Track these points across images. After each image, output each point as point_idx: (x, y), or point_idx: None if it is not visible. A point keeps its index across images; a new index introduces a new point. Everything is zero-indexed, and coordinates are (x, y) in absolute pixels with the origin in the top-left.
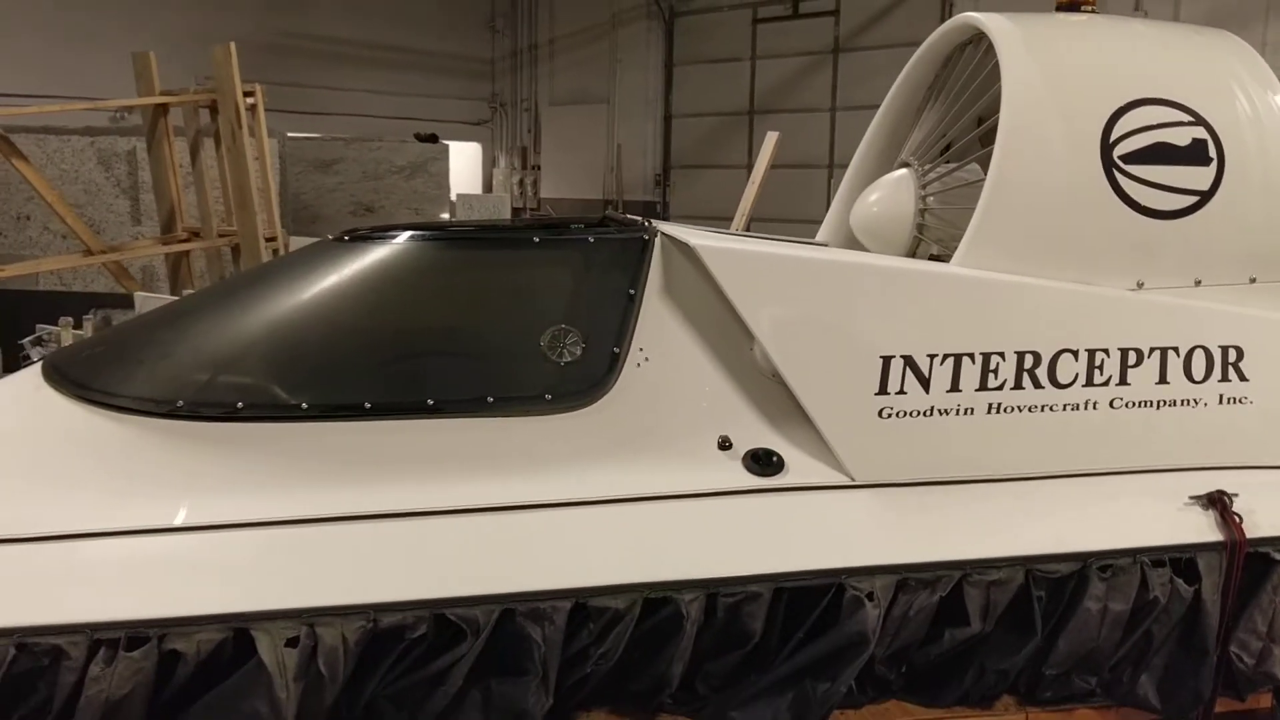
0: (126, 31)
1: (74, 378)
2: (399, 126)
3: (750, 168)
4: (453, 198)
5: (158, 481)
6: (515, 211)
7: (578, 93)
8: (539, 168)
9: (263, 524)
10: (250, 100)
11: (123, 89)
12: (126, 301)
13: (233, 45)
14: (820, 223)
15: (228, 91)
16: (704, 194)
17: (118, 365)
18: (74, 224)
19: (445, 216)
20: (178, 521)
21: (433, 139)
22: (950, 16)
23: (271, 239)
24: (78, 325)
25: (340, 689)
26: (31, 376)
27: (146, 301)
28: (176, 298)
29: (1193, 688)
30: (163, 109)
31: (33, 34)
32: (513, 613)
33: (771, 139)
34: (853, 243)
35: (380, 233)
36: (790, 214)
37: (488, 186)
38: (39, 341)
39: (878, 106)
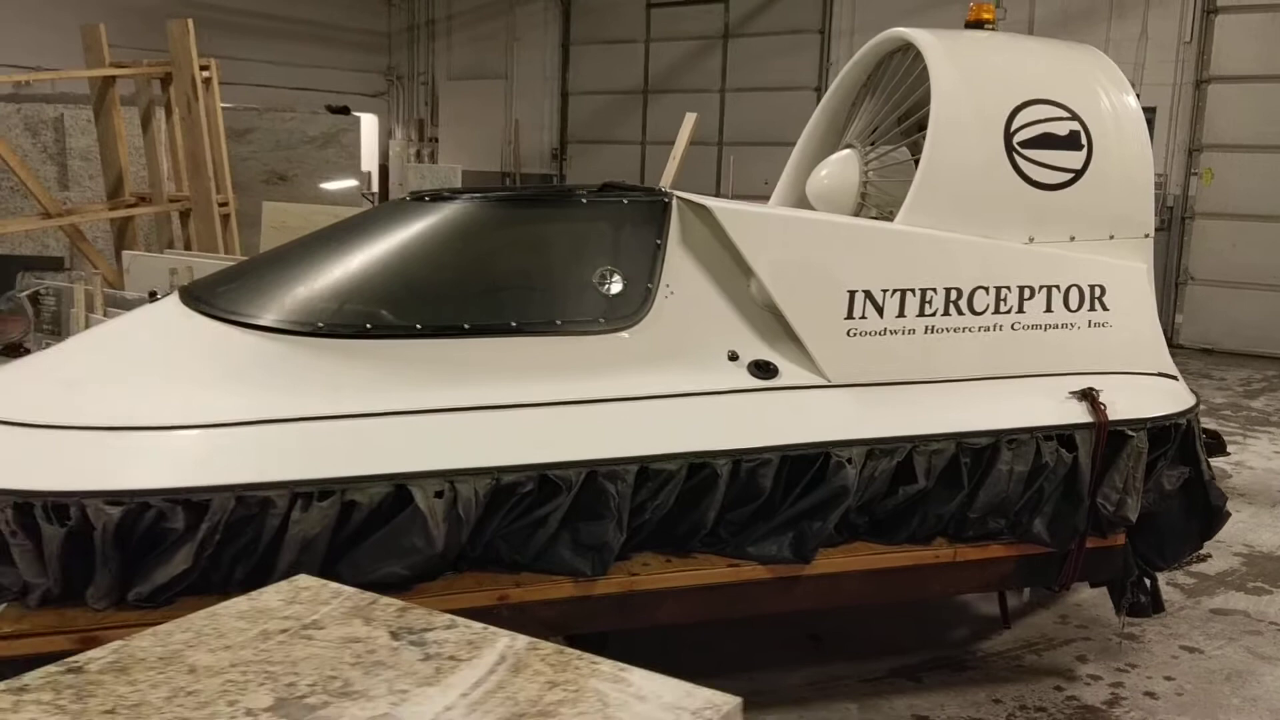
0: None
1: (223, 306)
2: (296, 97)
3: (644, 144)
4: (364, 168)
5: (316, 383)
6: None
7: (476, 68)
8: (436, 140)
9: (404, 412)
10: (205, 73)
11: (34, 55)
12: (55, 264)
13: (190, 21)
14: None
15: (184, 64)
16: (600, 167)
17: (259, 296)
18: (35, 189)
19: (354, 184)
20: (341, 410)
21: (345, 111)
22: (829, 12)
23: (224, 204)
24: (10, 285)
25: (471, 530)
26: (173, 306)
27: (136, 260)
28: (166, 255)
29: (1072, 526)
30: (111, 79)
31: None
32: (596, 474)
33: (690, 119)
34: (803, 208)
35: (451, 194)
36: (686, 188)
37: (384, 157)
38: (36, 298)
39: (764, 89)
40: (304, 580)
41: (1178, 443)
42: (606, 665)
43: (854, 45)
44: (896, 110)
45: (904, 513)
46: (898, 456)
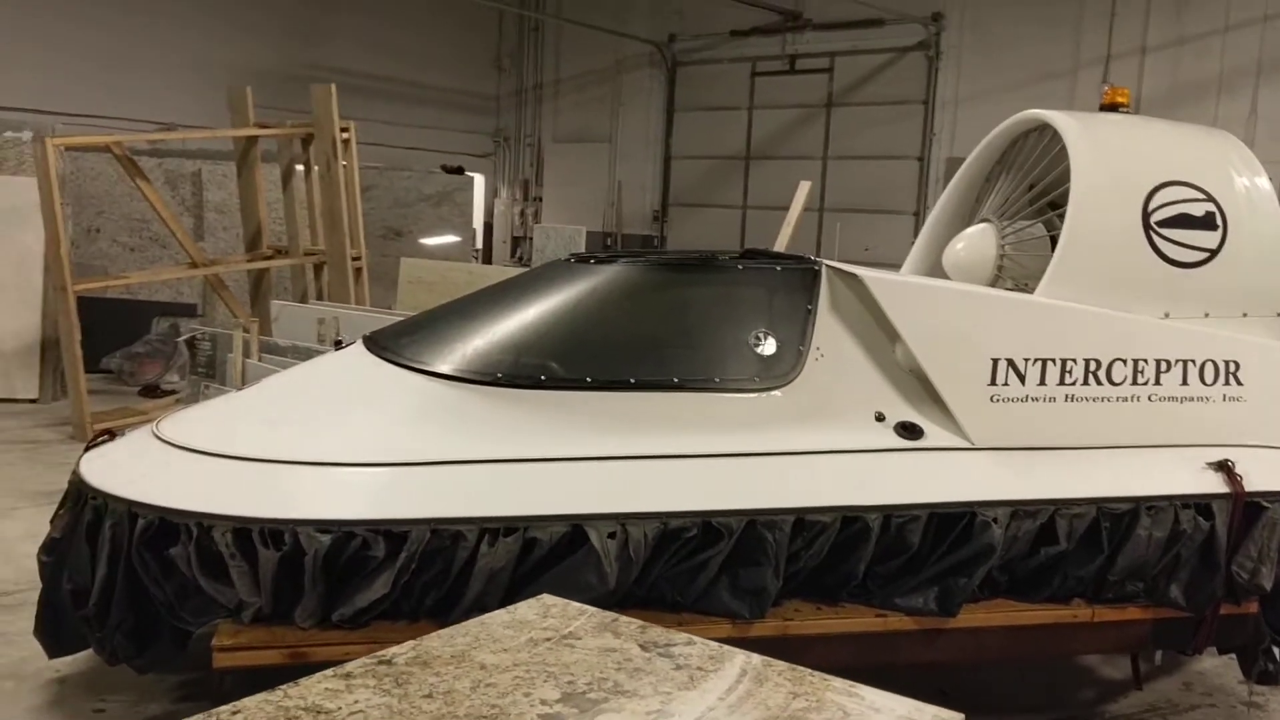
0: (162, 59)
1: (409, 355)
2: (408, 156)
3: (745, 208)
4: (474, 225)
5: (497, 428)
6: (516, 241)
7: (581, 131)
8: (540, 199)
9: (579, 459)
10: (345, 135)
11: (165, 110)
12: (189, 310)
13: (333, 87)
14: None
15: (325, 126)
16: (700, 230)
17: (440, 347)
18: (184, 240)
19: (454, 239)
20: (522, 455)
21: (459, 171)
22: (934, 84)
23: (356, 258)
24: (146, 330)
25: (639, 570)
26: (360, 355)
27: (284, 310)
28: (313, 306)
29: (1208, 592)
30: (254, 138)
31: (82, 59)
32: (755, 523)
33: (804, 187)
34: (937, 277)
35: (612, 257)
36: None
37: (489, 215)
38: (192, 342)
39: (867, 157)
40: (549, 599)
41: None
42: (837, 681)
43: (957, 117)
44: (1033, 188)
45: (1044, 572)
46: (1040, 518)
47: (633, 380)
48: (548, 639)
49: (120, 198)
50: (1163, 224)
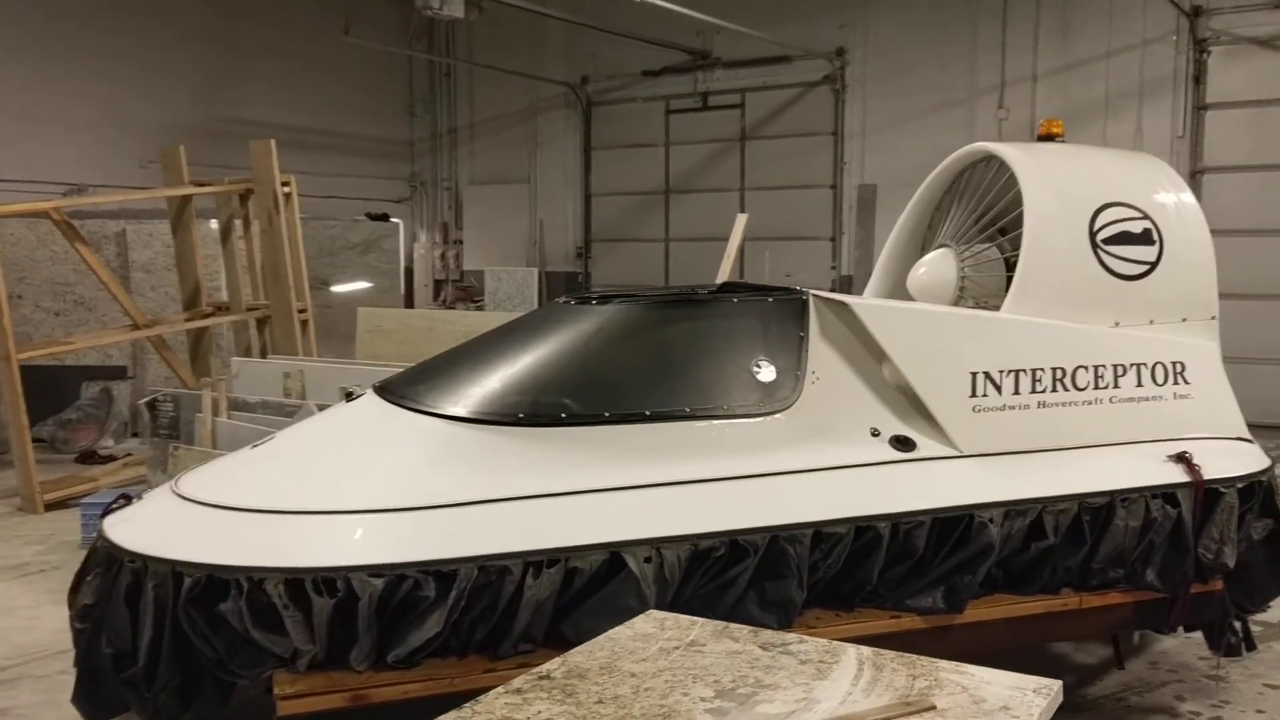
0: (70, 118)
1: (428, 401)
2: (324, 205)
3: (667, 241)
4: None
5: (526, 465)
6: (438, 284)
7: (499, 172)
8: (461, 242)
9: (611, 489)
10: (286, 189)
11: (72, 171)
12: (118, 372)
13: (273, 142)
14: None
15: (266, 181)
16: (624, 264)
17: (458, 392)
18: (125, 303)
19: (366, 285)
20: (556, 489)
21: (384, 218)
22: (841, 115)
23: (302, 310)
24: (75, 395)
25: (674, 590)
26: (374, 403)
27: (244, 367)
28: (275, 360)
29: (1180, 573)
30: (189, 197)
31: None
32: (777, 538)
33: (741, 220)
34: (899, 299)
35: (607, 296)
36: (709, 281)
37: (409, 260)
38: (154, 404)
39: (782, 187)
40: (657, 614)
41: (1261, 497)
42: (943, 663)
43: (865, 145)
44: (985, 214)
45: (1036, 566)
46: (1029, 516)
47: (648, 412)
48: (675, 647)
49: (41, 263)
50: (1107, 241)
